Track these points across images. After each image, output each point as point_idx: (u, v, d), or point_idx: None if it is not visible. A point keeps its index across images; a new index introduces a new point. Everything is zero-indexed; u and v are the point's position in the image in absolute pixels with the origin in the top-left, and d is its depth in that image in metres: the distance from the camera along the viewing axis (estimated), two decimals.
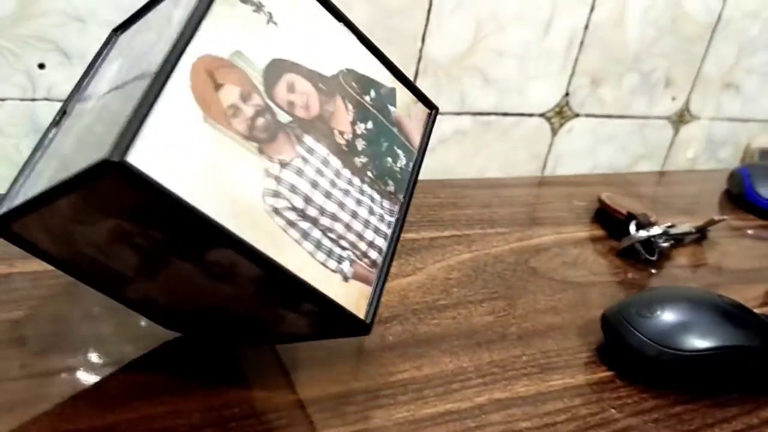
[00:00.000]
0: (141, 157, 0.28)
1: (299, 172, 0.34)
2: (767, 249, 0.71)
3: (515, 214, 0.68)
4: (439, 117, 0.44)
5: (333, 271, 0.34)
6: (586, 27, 0.79)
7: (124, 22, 0.43)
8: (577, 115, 0.85)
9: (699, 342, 0.46)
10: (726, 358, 0.47)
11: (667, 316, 0.47)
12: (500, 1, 0.73)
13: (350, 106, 0.38)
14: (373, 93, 0.39)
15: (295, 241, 0.33)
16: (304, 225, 0.33)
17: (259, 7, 0.35)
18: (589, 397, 0.45)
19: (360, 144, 0.37)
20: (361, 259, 0.36)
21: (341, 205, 0.35)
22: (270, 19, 0.35)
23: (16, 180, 0.38)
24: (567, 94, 0.83)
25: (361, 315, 0.35)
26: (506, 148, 0.82)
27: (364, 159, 0.37)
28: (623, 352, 0.48)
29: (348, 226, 0.35)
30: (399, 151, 0.40)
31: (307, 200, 0.34)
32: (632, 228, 0.64)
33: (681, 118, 0.94)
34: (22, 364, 0.39)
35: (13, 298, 0.43)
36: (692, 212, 0.75)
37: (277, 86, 0.34)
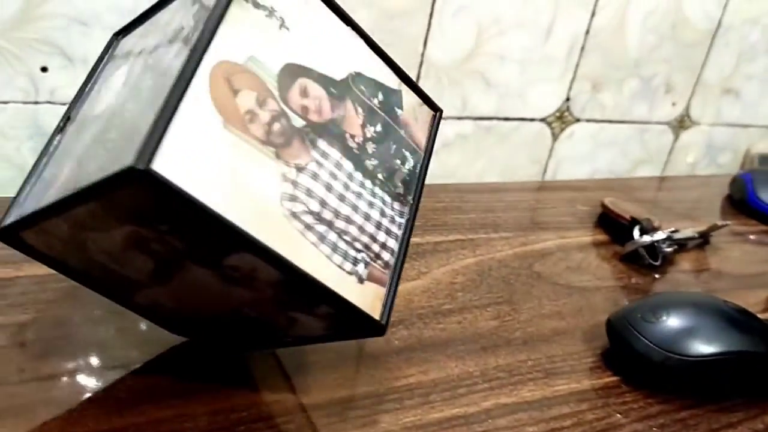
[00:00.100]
0: (165, 165, 0.28)
1: (314, 176, 0.34)
2: None
3: (518, 218, 0.68)
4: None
5: (349, 273, 0.34)
6: (587, 32, 0.80)
7: (125, 26, 0.43)
8: (577, 120, 0.85)
9: (704, 347, 0.46)
10: (731, 363, 0.47)
11: (673, 321, 0.47)
12: (502, 5, 0.73)
13: (360, 110, 0.38)
14: (380, 96, 0.39)
15: (312, 245, 0.33)
16: (321, 228, 0.34)
17: (271, 12, 0.35)
18: (595, 402, 0.45)
19: (370, 147, 0.37)
20: (374, 261, 0.36)
21: (354, 208, 0.35)
22: (282, 24, 0.35)
23: (22, 188, 0.38)
24: (568, 99, 0.83)
25: (376, 316, 0.35)
26: (507, 153, 0.82)
27: (374, 161, 0.37)
28: (629, 357, 0.48)
29: (361, 229, 0.36)
30: (407, 153, 0.40)
31: (323, 204, 0.34)
32: (636, 233, 0.64)
33: (681, 124, 0.94)
34: (29, 367, 0.39)
35: (20, 301, 0.43)
36: (694, 217, 0.75)
37: (291, 91, 0.34)
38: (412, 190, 0.40)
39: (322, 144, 0.35)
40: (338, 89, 0.37)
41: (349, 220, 0.35)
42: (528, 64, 0.78)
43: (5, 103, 0.57)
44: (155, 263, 0.34)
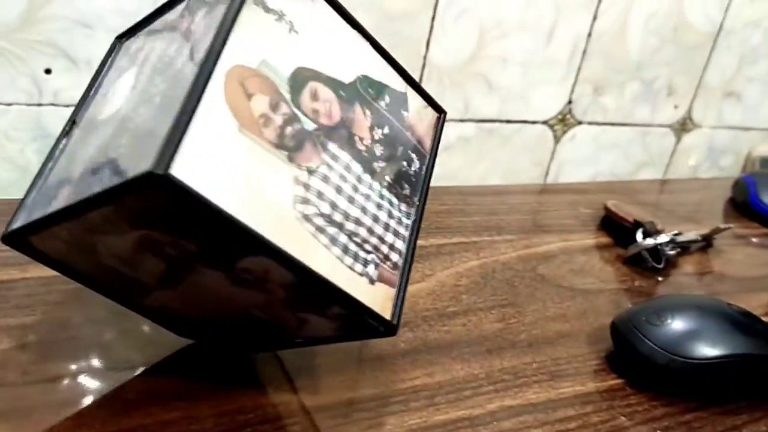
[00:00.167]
0: (184, 169, 0.28)
1: (325, 179, 0.34)
2: None
3: (521, 221, 0.68)
4: None
5: (360, 274, 0.35)
6: (589, 35, 0.80)
7: (128, 30, 0.43)
8: (579, 123, 0.85)
9: (709, 350, 0.46)
10: (735, 366, 0.47)
11: (677, 324, 0.47)
12: (504, 8, 0.73)
13: (368, 112, 0.38)
14: (387, 98, 0.40)
15: (324, 247, 0.33)
16: (332, 230, 0.34)
17: (280, 16, 0.35)
18: (600, 405, 0.45)
19: (378, 149, 0.38)
20: (384, 262, 0.36)
21: (364, 210, 0.36)
22: (291, 27, 0.35)
23: (29, 192, 0.37)
24: (570, 102, 0.83)
25: (387, 316, 0.35)
26: (509, 155, 0.82)
27: (382, 164, 0.38)
28: (633, 359, 0.48)
29: (371, 230, 0.36)
30: (412, 155, 0.40)
31: (333, 206, 0.34)
32: (639, 236, 0.64)
33: (683, 126, 0.94)
34: (36, 369, 0.39)
35: (26, 303, 0.43)
36: (696, 220, 0.75)
37: (302, 94, 0.34)
38: (418, 191, 0.40)
39: (332, 147, 0.35)
40: (347, 92, 0.37)
41: (358, 222, 0.35)
42: (530, 66, 0.78)
43: (9, 105, 0.57)
44: (167, 266, 0.34)
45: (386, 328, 0.35)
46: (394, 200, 0.38)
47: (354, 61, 0.38)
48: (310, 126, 0.34)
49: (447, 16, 0.71)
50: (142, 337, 0.42)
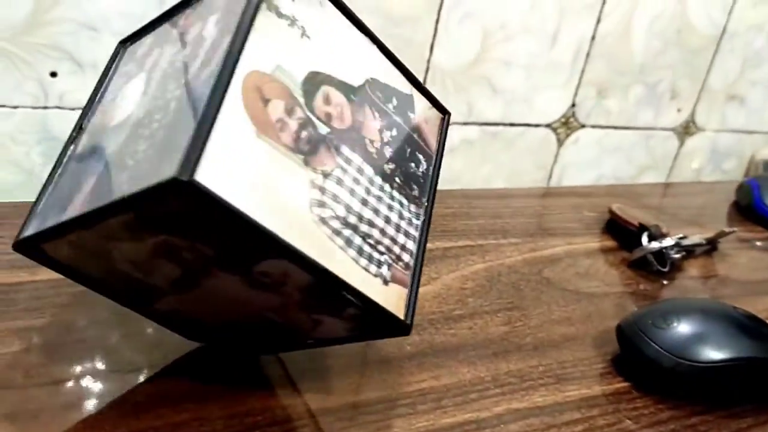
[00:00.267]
0: (208, 175, 0.28)
1: (339, 182, 0.34)
2: None
3: (526, 224, 0.68)
4: None
5: (374, 275, 0.35)
6: (593, 38, 0.80)
7: (131, 35, 0.43)
8: (583, 126, 0.85)
9: (714, 353, 0.46)
10: (741, 369, 0.47)
11: (683, 327, 0.47)
12: (508, 11, 0.73)
13: (377, 115, 0.38)
14: (394, 101, 0.40)
15: (340, 249, 0.33)
16: (347, 232, 0.34)
17: (293, 21, 0.35)
18: (606, 408, 0.45)
19: (388, 151, 0.38)
20: (396, 263, 0.37)
21: (376, 212, 0.36)
22: (303, 32, 0.35)
23: (38, 198, 0.37)
24: (573, 105, 0.83)
25: (401, 316, 0.36)
26: (512, 158, 0.82)
27: (392, 165, 0.38)
28: (639, 363, 0.48)
29: (383, 231, 0.36)
30: (420, 156, 0.41)
31: (348, 208, 0.34)
32: (644, 239, 0.64)
33: (686, 130, 0.94)
34: (45, 371, 0.39)
35: (35, 306, 0.43)
36: (700, 223, 0.75)
37: (315, 99, 0.35)
38: (426, 192, 0.40)
39: (345, 150, 0.35)
40: (357, 95, 0.37)
41: (371, 224, 0.36)
42: (534, 70, 0.78)
43: (15, 107, 0.57)
44: (182, 271, 0.34)
45: (400, 327, 0.36)
46: (404, 201, 0.38)
47: (362, 64, 0.39)
48: (323, 130, 0.35)
49: (451, 20, 0.71)
50: (150, 340, 0.42)
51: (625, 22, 0.81)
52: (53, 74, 0.57)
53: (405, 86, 0.42)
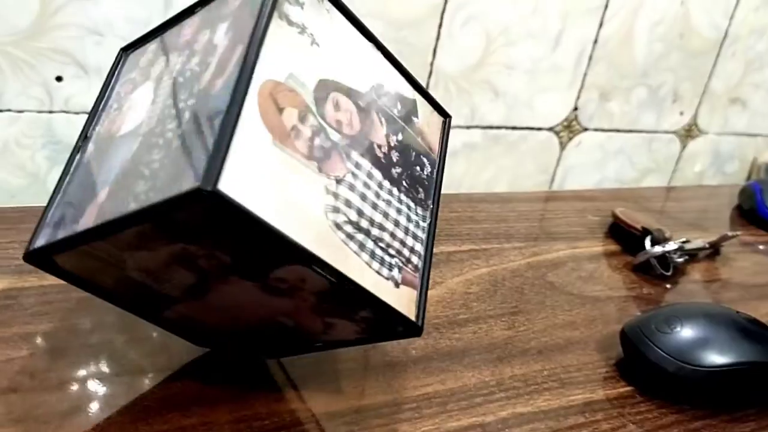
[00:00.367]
0: (230, 184, 0.29)
1: (351, 187, 0.35)
2: None
3: (530, 228, 0.68)
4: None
5: (386, 278, 0.35)
6: (595, 42, 0.80)
7: (133, 42, 0.43)
8: (585, 129, 0.85)
9: (718, 358, 0.47)
10: (744, 373, 0.47)
11: (687, 331, 0.48)
12: (510, 15, 0.73)
13: (383, 120, 0.38)
14: (399, 106, 0.40)
15: (354, 253, 0.34)
16: (360, 237, 0.34)
17: (303, 29, 0.35)
18: (610, 412, 0.45)
19: (394, 155, 0.38)
20: (406, 265, 0.37)
21: (385, 215, 0.36)
22: (313, 40, 0.36)
23: (47, 208, 0.37)
24: (576, 109, 0.83)
25: (413, 318, 0.36)
26: (515, 162, 0.82)
27: (399, 169, 0.38)
28: (643, 367, 0.48)
29: (393, 235, 0.37)
30: (424, 160, 0.41)
31: (360, 213, 0.35)
32: (647, 243, 0.64)
33: (688, 133, 0.94)
34: (53, 375, 0.39)
35: (44, 310, 0.43)
36: (702, 227, 0.75)
37: (326, 106, 0.35)
38: (431, 194, 0.41)
39: (355, 155, 0.36)
40: (364, 101, 0.38)
41: (382, 227, 0.36)
42: (536, 73, 0.78)
43: (20, 112, 0.57)
44: (197, 278, 0.34)
45: (412, 329, 0.36)
46: (411, 204, 0.39)
47: (368, 70, 0.39)
48: (335, 136, 0.35)
49: (454, 24, 0.71)
50: (157, 344, 0.43)
51: (627, 26, 0.81)
52: (58, 78, 0.58)
53: (408, 91, 0.42)
